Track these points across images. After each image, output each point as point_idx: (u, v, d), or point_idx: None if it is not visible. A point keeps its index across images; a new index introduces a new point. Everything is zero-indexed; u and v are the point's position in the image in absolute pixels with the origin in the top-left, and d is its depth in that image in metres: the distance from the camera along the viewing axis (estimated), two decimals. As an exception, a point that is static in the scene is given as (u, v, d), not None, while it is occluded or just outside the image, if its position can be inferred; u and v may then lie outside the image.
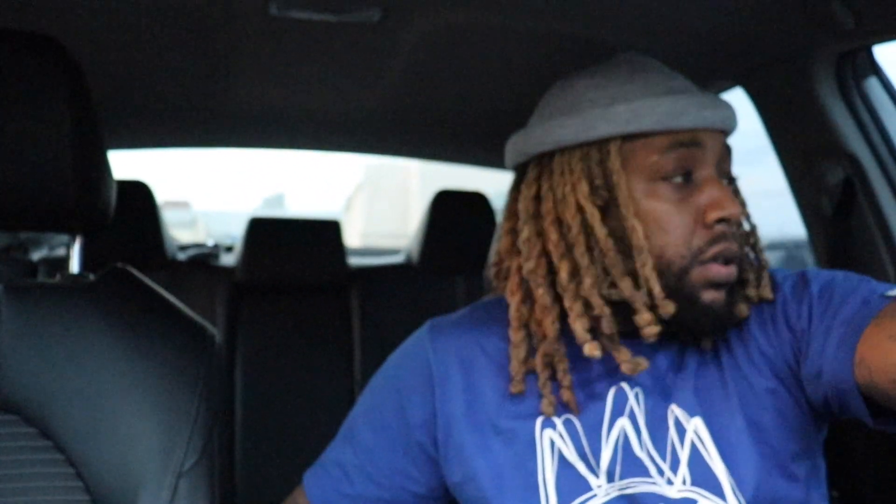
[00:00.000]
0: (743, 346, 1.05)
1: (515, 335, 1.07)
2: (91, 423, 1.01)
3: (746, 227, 1.08)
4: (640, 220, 0.99)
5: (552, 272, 1.05)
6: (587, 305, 1.01)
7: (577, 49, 1.52)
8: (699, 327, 1.01)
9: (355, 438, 1.16)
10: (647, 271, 0.98)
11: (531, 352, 1.06)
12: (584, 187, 1.01)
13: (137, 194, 2.44)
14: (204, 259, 2.95)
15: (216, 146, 2.82)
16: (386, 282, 2.60)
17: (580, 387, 1.06)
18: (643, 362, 0.99)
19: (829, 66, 1.46)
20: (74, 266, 1.16)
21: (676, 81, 1.04)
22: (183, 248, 3.07)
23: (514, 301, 1.08)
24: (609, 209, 1.01)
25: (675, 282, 0.99)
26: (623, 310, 1.01)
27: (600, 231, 1.00)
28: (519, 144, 1.10)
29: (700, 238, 0.99)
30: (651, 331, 0.98)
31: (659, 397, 1.03)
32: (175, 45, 1.62)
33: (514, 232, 1.11)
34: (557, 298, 1.05)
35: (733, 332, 1.06)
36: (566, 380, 1.04)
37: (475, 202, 2.64)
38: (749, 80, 1.60)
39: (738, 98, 1.65)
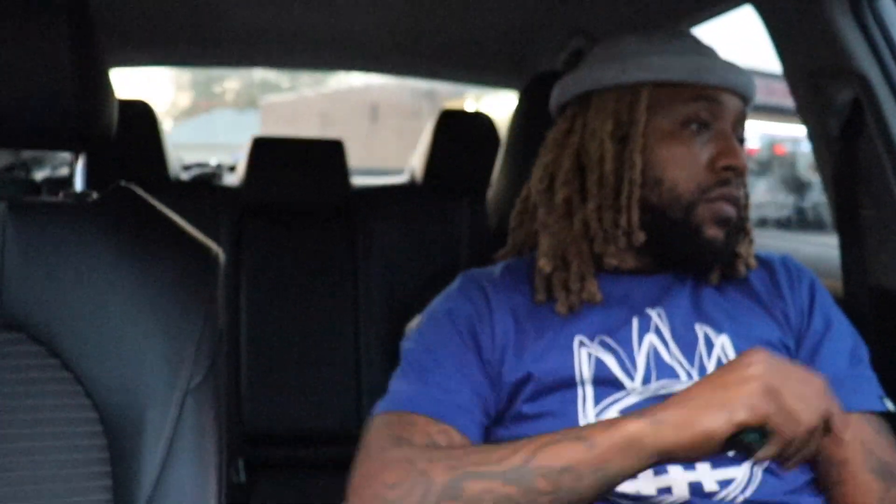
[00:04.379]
0: (768, 296, 1.19)
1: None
2: (97, 341, 1.02)
3: (742, 193, 1.19)
4: (654, 158, 1.13)
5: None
6: (586, 227, 1.15)
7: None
8: (700, 259, 1.15)
9: (424, 367, 1.14)
10: (631, 202, 1.13)
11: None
12: (609, 124, 1.15)
13: (140, 113, 2.42)
14: (207, 179, 2.94)
15: (218, 64, 2.80)
16: (389, 203, 2.59)
17: (604, 311, 1.15)
18: (595, 295, 1.13)
19: (842, -17, 1.43)
20: (78, 185, 1.16)
21: (708, 49, 1.19)
22: (186, 167, 3.06)
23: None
24: (624, 147, 1.15)
25: (683, 214, 1.12)
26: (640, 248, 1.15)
27: (609, 164, 1.14)
28: (562, 87, 1.23)
29: (708, 179, 1.12)
30: (611, 262, 1.15)
31: (685, 318, 1.15)
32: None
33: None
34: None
35: (761, 279, 1.21)
36: (587, 283, 1.15)
37: (480, 123, 2.61)
38: (759, -3, 1.57)
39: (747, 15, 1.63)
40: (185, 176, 2.92)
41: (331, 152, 2.60)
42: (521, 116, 1.39)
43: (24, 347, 1.02)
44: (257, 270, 2.47)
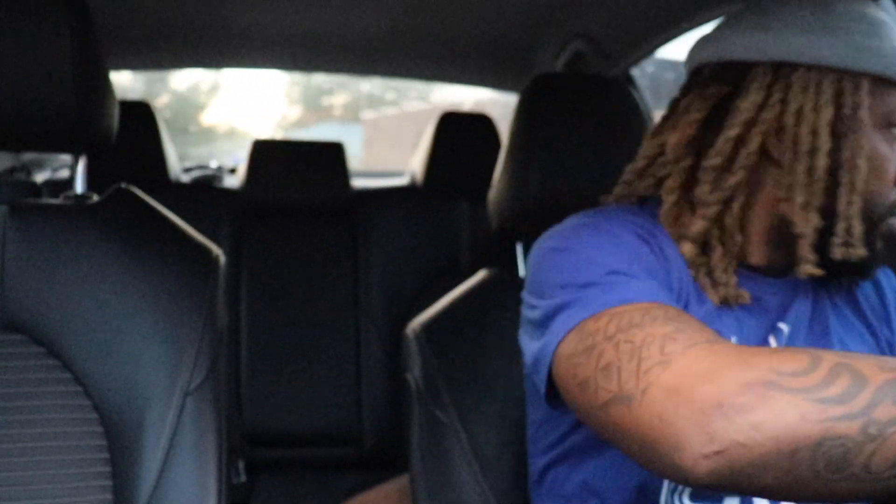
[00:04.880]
0: (875, 317, 1.11)
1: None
2: (98, 342, 1.02)
3: None
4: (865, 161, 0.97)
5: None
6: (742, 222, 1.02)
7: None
8: (862, 273, 1.03)
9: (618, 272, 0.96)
10: (854, 211, 0.97)
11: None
12: (829, 112, 0.96)
13: (140, 115, 2.43)
14: (207, 181, 2.95)
15: (218, 67, 2.80)
16: (389, 205, 2.59)
17: (746, 316, 1.04)
18: (745, 295, 1.01)
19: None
20: (78, 187, 1.16)
21: None
22: (187, 169, 3.07)
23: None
24: (841, 142, 0.97)
25: (869, 227, 0.98)
26: (779, 245, 1.02)
27: (822, 159, 0.96)
28: (749, 39, 1.01)
29: None
30: (807, 270, 0.97)
31: (800, 340, 1.04)
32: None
33: (705, 125, 1.04)
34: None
35: (866, 295, 1.12)
36: (731, 278, 1.02)
37: (480, 125, 2.62)
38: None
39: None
40: (185, 178, 2.92)
41: (330, 154, 2.60)
42: (522, 117, 1.39)
43: (25, 349, 1.03)
44: (258, 272, 2.48)
